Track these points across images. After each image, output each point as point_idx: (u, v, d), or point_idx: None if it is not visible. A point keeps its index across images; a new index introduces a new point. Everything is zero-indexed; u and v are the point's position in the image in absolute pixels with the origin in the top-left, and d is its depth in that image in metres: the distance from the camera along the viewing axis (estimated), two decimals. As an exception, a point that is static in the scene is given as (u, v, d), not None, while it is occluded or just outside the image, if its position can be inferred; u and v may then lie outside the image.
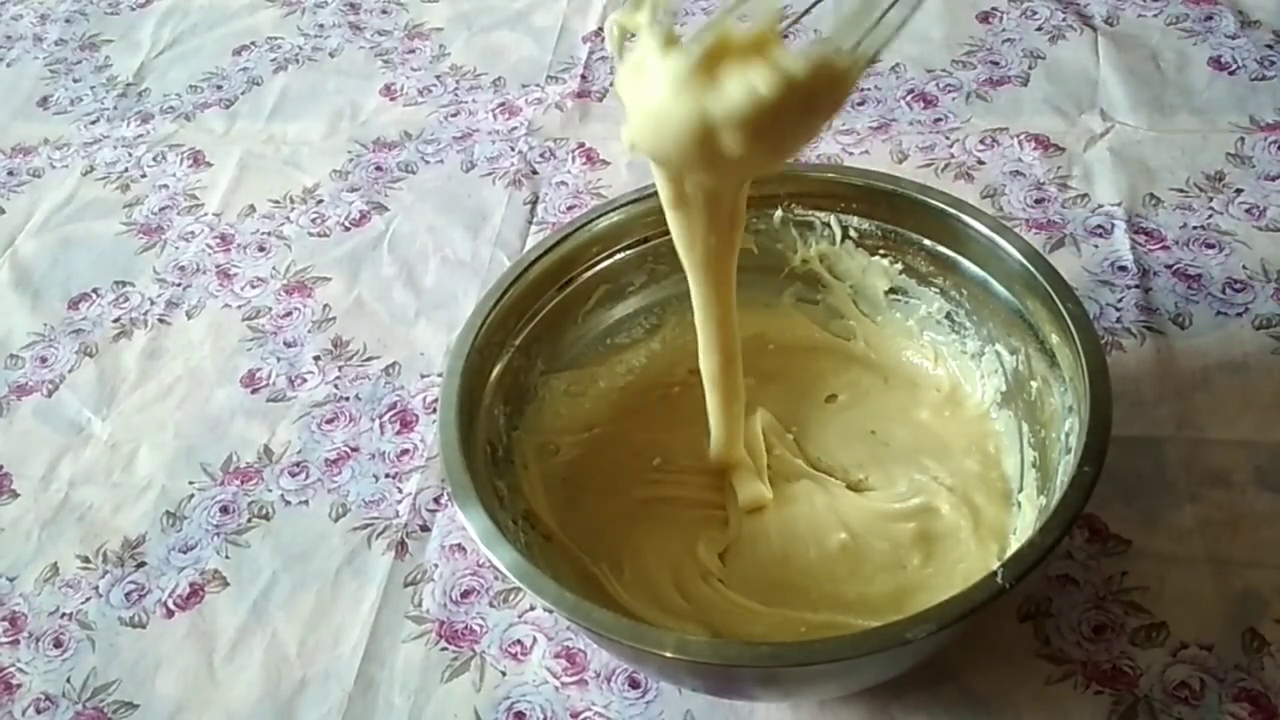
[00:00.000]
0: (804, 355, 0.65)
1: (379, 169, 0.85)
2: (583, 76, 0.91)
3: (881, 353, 0.64)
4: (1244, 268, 0.69)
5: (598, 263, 0.62)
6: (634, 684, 0.55)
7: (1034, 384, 0.56)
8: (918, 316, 0.62)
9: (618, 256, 0.62)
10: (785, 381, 0.63)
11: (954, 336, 0.61)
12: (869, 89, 0.85)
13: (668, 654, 0.44)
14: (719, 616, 0.54)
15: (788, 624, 0.53)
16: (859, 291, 0.63)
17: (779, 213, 0.62)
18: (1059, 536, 0.45)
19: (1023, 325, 0.56)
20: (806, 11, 0.45)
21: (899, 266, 0.61)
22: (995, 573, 0.44)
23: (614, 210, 0.61)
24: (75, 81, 0.99)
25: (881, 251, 0.61)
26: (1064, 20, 0.89)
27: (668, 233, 0.62)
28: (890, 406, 0.62)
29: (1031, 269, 0.54)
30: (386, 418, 0.68)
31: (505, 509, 0.53)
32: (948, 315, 0.61)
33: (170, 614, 0.61)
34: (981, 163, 0.78)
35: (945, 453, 0.59)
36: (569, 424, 0.62)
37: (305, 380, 0.71)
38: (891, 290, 0.62)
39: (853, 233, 0.61)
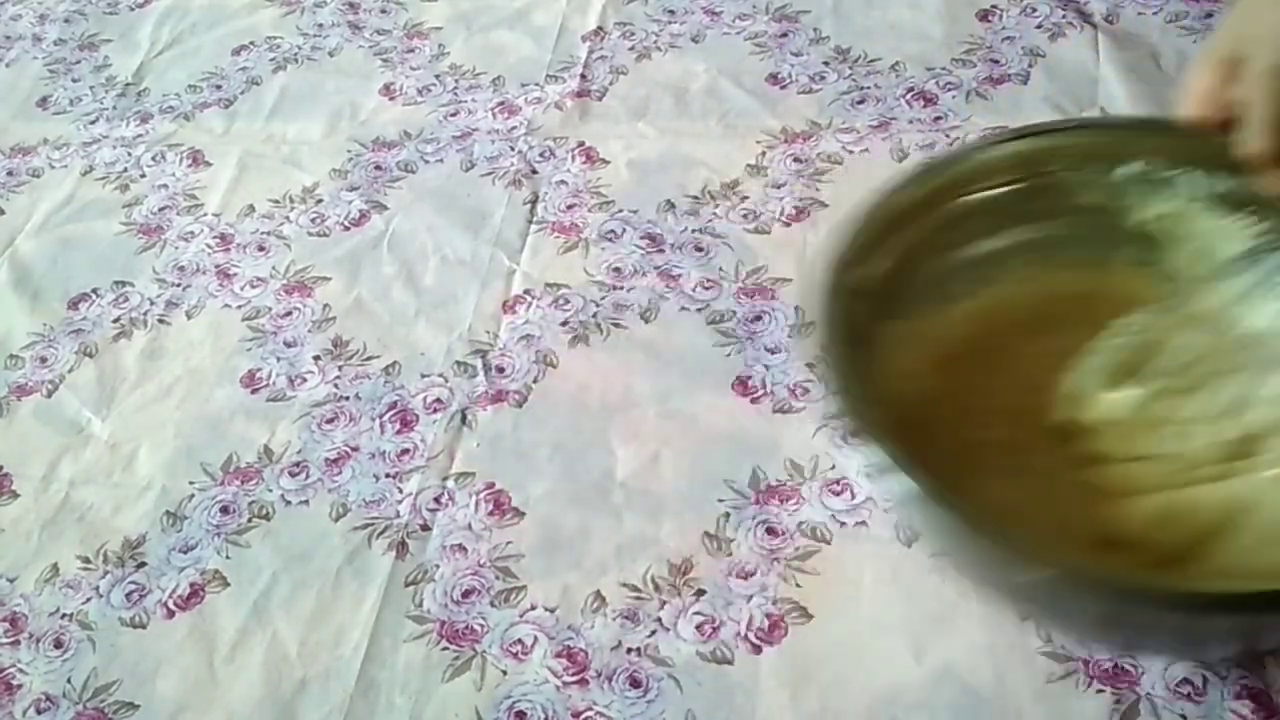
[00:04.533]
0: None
1: (379, 168, 0.85)
2: (582, 76, 0.91)
3: (1217, 321, 0.58)
4: (1245, 265, 0.69)
5: (975, 192, 0.59)
6: (635, 683, 0.55)
7: None
8: (1270, 282, 0.57)
9: (990, 192, 0.59)
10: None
11: None
12: (869, 88, 0.84)
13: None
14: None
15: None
16: (1201, 255, 0.59)
17: (1127, 169, 0.58)
18: None
19: None
20: None
21: (1262, 227, 0.56)
22: None
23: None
24: (74, 81, 0.99)
25: (1245, 211, 0.57)
26: (1064, 18, 0.89)
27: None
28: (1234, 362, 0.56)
29: None
30: (386, 417, 0.68)
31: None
32: None
33: (170, 614, 0.61)
34: (982, 161, 0.78)
35: None
36: (908, 370, 0.57)
37: (305, 380, 0.71)
38: (1243, 253, 0.57)
39: (1213, 190, 0.57)
